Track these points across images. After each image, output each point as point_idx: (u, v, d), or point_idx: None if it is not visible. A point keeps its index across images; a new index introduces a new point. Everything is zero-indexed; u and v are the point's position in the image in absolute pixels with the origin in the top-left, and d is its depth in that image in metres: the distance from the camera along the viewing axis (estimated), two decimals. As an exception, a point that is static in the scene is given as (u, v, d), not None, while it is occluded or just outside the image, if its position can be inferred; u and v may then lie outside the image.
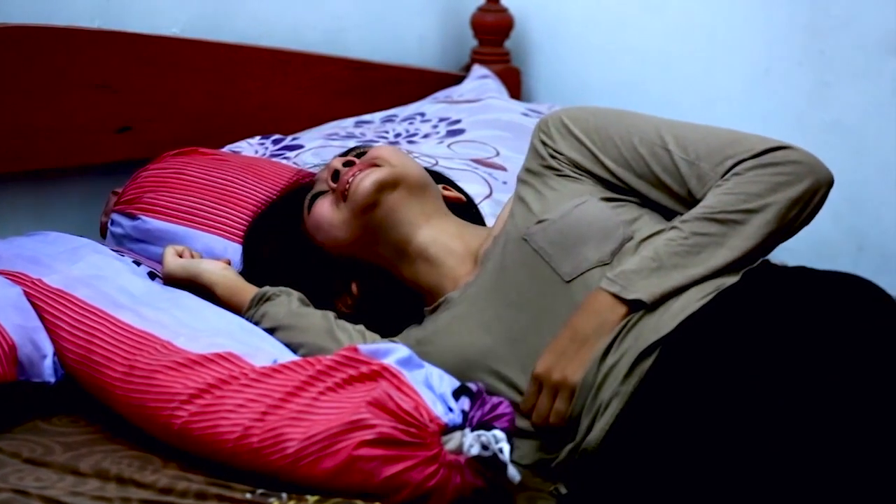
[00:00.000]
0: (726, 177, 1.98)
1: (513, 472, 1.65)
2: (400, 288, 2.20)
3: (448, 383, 1.72)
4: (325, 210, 2.18)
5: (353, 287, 2.21)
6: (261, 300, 2.11)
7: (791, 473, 1.62)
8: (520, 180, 2.15)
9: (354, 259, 2.19)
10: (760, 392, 1.67)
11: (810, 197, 1.97)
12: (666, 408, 1.76)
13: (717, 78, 3.43)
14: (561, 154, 2.10)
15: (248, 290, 2.15)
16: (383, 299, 2.21)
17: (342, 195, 2.15)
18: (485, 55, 3.53)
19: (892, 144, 3.22)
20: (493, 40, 3.55)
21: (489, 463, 1.65)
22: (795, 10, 3.31)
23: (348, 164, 2.19)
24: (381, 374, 1.74)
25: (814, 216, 2.01)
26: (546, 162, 2.11)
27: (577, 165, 2.09)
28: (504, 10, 3.54)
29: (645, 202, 2.06)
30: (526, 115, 3.11)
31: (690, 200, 2.01)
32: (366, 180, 2.13)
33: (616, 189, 2.07)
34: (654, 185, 2.05)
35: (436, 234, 2.16)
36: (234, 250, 2.36)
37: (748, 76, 3.39)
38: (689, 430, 1.71)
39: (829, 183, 1.99)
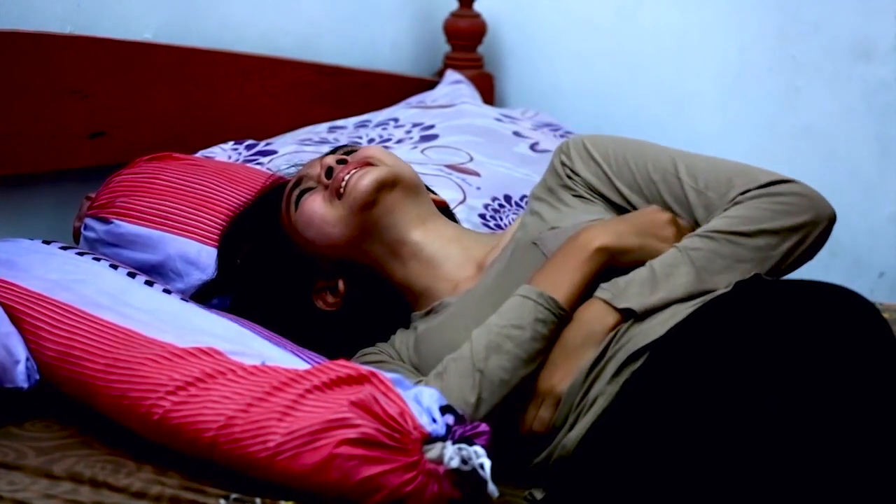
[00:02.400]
0: (730, 205, 2.00)
1: (492, 489, 1.65)
2: (385, 290, 2.19)
3: (436, 400, 1.72)
4: (318, 206, 2.16)
5: (340, 284, 2.19)
6: None
7: (770, 476, 1.61)
8: (534, 197, 2.17)
9: (341, 258, 2.17)
10: (744, 397, 1.67)
11: (809, 230, 1.99)
12: (648, 410, 1.76)
13: (688, 83, 3.44)
14: (578, 175, 2.13)
15: None
16: (368, 300, 2.20)
17: (336, 192, 2.14)
18: (458, 60, 3.53)
19: (863, 149, 3.25)
20: (466, 46, 3.55)
21: (467, 477, 1.65)
22: (766, 15, 3.33)
23: (341, 161, 2.18)
24: (368, 378, 1.74)
25: (813, 252, 2.02)
26: (563, 181, 2.14)
27: (591, 188, 2.12)
28: (477, 16, 3.55)
29: None
30: (499, 120, 3.11)
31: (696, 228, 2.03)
32: (365, 178, 2.12)
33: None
34: None
35: (431, 237, 2.16)
36: (209, 254, 2.35)
37: (720, 81, 3.41)
38: (670, 432, 1.70)
39: (830, 219, 2.01)
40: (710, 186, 2.04)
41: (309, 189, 2.19)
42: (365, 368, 1.77)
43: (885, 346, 1.73)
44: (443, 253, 2.16)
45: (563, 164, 2.15)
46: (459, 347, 1.96)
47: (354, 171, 2.14)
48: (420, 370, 2.06)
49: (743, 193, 2.00)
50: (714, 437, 1.66)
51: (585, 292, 1.95)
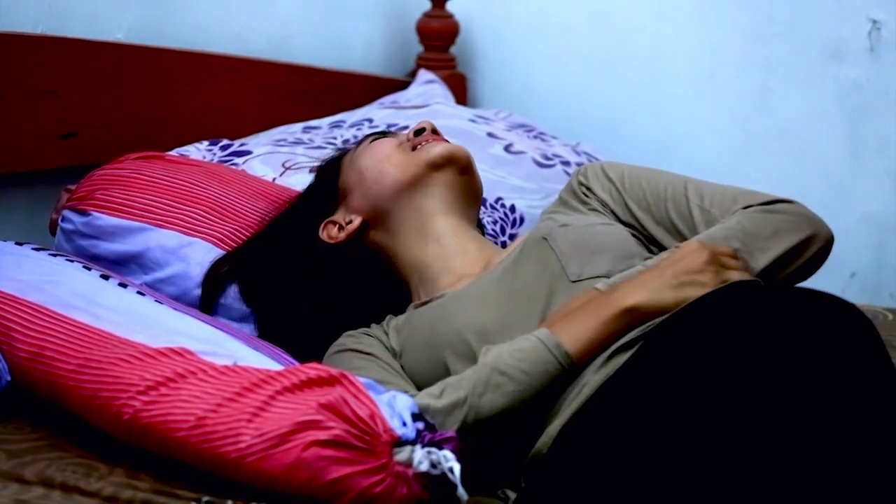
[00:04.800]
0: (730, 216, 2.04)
1: (462, 492, 1.65)
2: (387, 262, 2.25)
3: (408, 407, 1.72)
4: (388, 146, 2.28)
5: (357, 219, 2.25)
6: None
7: (750, 475, 1.61)
8: (546, 212, 2.25)
9: (374, 202, 2.24)
10: (728, 397, 1.65)
11: (806, 246, 2.00)
12: (626, 406, 1.74)
13: (661, 83, 3.45)
14: (593, 193, 2.19)
15: None
16: (367, 262, 2.26)
17: (413, 146, 2.24)
18: (431, 61, 3.54)
19: (835, 150, 3.26)
20: (438, 46, 3.56)
21: (436, 481, 1.66)
22: (739, 16, 3.34)
23: (436, 132, 2.28)
24: (339, 380, 1.74)
25: (809, 271, 2.03)
26: (578, 197, 2.20)
27: (604, 205, 2.18)
28: (450, 16, 3.55)
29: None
30: (473, 121, 3.11)
31: None
32: (444, 145, 2.24)
33: (636, 238, 2.13)
34: (669, 231, 2.11)
35: (460, 230, 2.22)
36: (189, 244, 2.35)
37: (693, 82, 3.41)
38: (645, 431, 1.69)
39: (828, 239, 2.03)
40: (715, 204, 2.08)
41: (385, 136, 2.31)
42: (336, 370, 1.77)
43: (868, 346, 1.71)
44: (462, 248, 2.20)
45: (580, 183, 2.21)
46: (450, 327, 2.00)
47: (444, 142, 2.25)
48: (403, 349, 2.08)
49: (744, 209, 2.04)
50: (691, 435, 1.65)
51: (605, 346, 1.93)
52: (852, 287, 3.26)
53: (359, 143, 2.36)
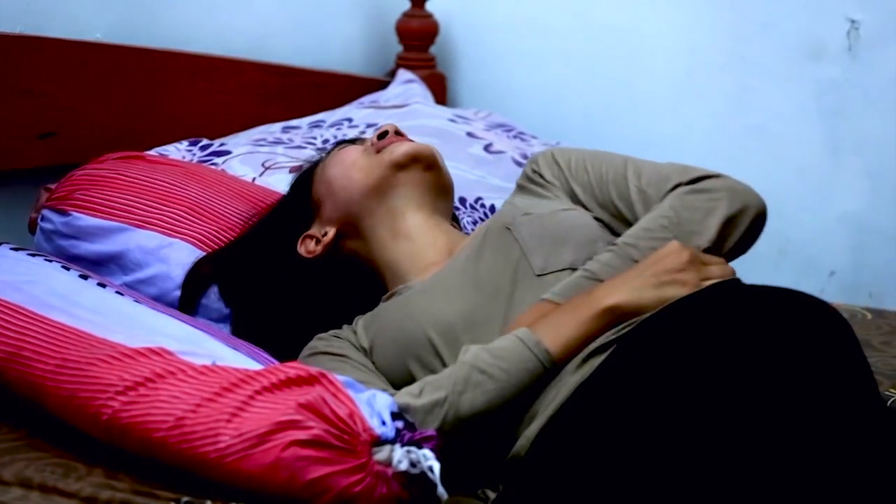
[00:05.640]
0: (663, 200, 2.05)
1: (441, 491, 1.65)
2: (363, 271, 2.25)
3: (387, 406, 1.71)
4: (354, 152, 2.29)
5: (331, 232, 2.26)
6: None
7: (727, 475, 1.60)
8: (505, 202, 2.26)
9: (346, 209, 2.25)
10: (706, 396, 1.65)
11: (739, 220, 2.01)
12: (602, 408, 1.74)
13: (639, 82, 3.45)
14: (543, 178, 2.20)
15: None
16: (346, 267, 2.27)
17: (377, 149, 2.25)
18: (410, 60, 3.53)
19: (814, 149, 3.26)
20: (418, 46, 3.56)
21: (416, 480, 1.65)
22: (717, 15, 3.35)
23: (399, 133, 2.28)
24: (318, 379, 1.74)
25: (748, 242, 2.04)
26: (535, 182, 2.22)
27: (559, 189, 2.19)
28: (429, 16, 3.55)
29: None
30: (452, 120, 3.11)
31: None
32: (407, 145, 2.24)
33: (598, 220, 2.15)
34: (613, 215, 2.13)
35: (431, 225, 2.22)
36: (169, 245, 2.35)
37: (670, 81, 3.42)
38: (622, 433, 1.69)
39: (759, 209, 2.03)
40: (651, 183, 2.09)
41: (352, 144, 2.32)
42: (315, 369, 1.76)
43: (846, 348, 1.71)
44: (433, 241, 2.20)
45: (533, 171, 2.23)
46: (416, 324, 2.00)
47: (407, 141, 2.25)
48: (374, 344, 2.08)
49: (673, 188, 2.05)
50: (668, 437, 1.64)
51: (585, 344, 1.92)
52: (831, 286, 3.26)
53: (328, 152, 2.37)
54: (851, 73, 3.20)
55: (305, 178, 2.37)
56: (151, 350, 1.85)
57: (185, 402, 1.75)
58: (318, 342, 2.12)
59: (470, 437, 1.88)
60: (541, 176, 2.21)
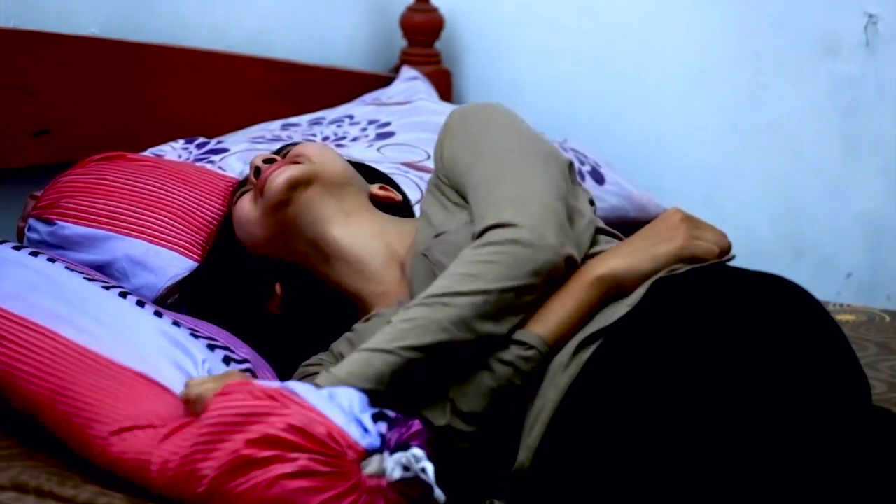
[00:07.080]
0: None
1: (438, 493, 1.63)
2: (327, 292, 2.18)
3: (360, 403, 1.69)
4: (245, 206, 2.20)
5: (277, 288, 2.21)
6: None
7: (731, 471, 1.62)
8: (427, 189, 2.13)
9: (277, 259, 2.19)
10: (694, 398, 1.66)
11: (532, 284, 1.85)
12: (600, 413, 1.73)
13: (650, 79, 3.45)
14: (442, 181, 2.09)
15: None
16: (309, 303, 2.21)
17: (260, 191, 2.16)
18: (414, 56, 3.53)
19: (830, 147, 3.25)
20: (423, 41, 3.55)
21: (412, 481, 1.63)
22: (730, 10, 3.34)
23: (269, 161, 2.19)
24: (274, 401, 1.71)
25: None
26: (438, 165, 2.10)
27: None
28: (434, 10, 3.54)
29: None
30: (457, 117, 3.08)
31: None
32: (279, 177, 2.14)
33: None
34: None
35: (354, 233, 2.15)
36: (156, 254, 2.34)
37: (682, 77, 3.41)
38: (623, 437, 1.69)
39: (555, 265, 1.85)
40: (478, 210, 1.93)
41: (247, 190, 2.23)
42: (272, 388, 1.72)
43: (830, 338, 1.76)
44: (367, 251, 2.14)
45: (443, 141, 2.11)
46: None
47: (276, 170, 2.16)
48: None
49: (476, 236, 1.89)
50: (666, 439, 1.65)
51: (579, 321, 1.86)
52: (848, 288, 3.26)
53: (230, 203, 2.30)
54: (869, 70, 3.18)
55: (226, 232, 2.28)
56: (150, 384, 1.87)
57: (175, 445, 1.76)
58: (303, 369, 2.09)
59: (475, 436, 1.84)
60: (442, 182, 2.07)
